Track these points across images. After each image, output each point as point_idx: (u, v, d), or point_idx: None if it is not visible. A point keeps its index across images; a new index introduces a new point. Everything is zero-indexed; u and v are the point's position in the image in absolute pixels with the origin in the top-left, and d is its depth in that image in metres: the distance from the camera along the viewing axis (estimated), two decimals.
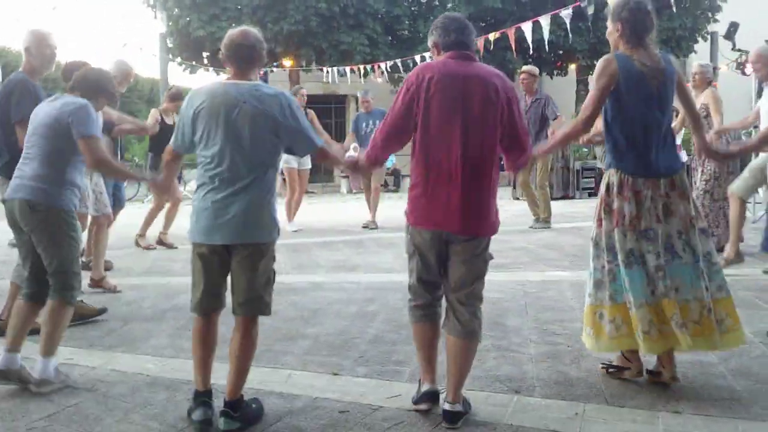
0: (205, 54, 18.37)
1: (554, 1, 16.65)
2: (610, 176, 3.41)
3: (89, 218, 5.82)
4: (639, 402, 3.22)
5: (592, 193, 14.69)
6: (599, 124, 3.52)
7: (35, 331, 3.68)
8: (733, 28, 8.65)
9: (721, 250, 5.85)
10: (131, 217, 8.39)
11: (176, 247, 7.66)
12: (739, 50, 9.02)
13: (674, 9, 10.66)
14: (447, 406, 3.04)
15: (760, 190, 8.61)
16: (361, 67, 15.91)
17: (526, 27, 10.22)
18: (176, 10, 17.39)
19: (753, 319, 4.35)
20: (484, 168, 3.07)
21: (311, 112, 9.34)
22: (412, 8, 18.45)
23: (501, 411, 3.15)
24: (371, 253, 7.60)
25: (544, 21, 9.87)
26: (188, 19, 17.13)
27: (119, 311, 5.16)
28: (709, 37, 18.16)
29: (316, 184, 18.09)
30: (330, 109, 20.98)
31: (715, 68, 16.17)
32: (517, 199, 13.69)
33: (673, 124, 6.90)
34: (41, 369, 3.48)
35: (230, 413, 3.03)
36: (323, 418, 3.13)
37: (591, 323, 3.46)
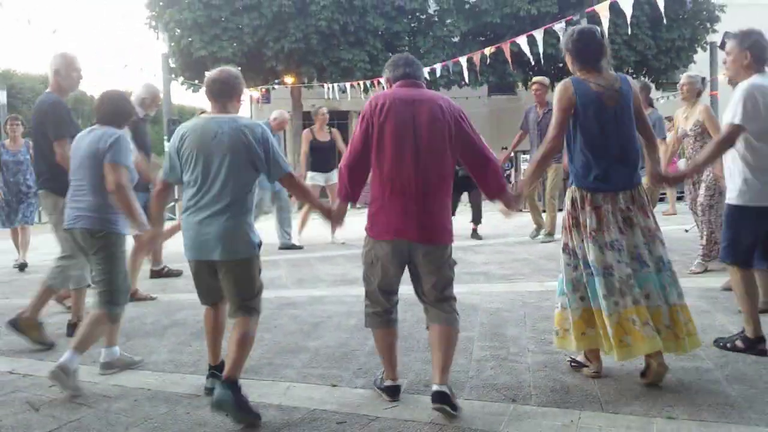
0: (207, 73, 18.52)
1: (553, 15, 16.83)
2: (573, 192, 3.64)
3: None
4: (634, 408, 3.25)
5: None
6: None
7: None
8: (727, 39, 8.71)
9: None
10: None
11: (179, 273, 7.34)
12: None
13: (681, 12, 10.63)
14: (436, 388, 3.27)
15: None
16: (362, 82, 16.03)
17: (522, 41, 10.31)
18: (178, 30, 17.57)
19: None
20: (437, 182, 3.36)
21: (335, 131, 9.51)
22: (412, 24, 18.61)
23: (497, 419, 3.18)
24: (358, 267, 7.62)
25: (538, 35, 9.95)
26: (190, 39, 17.32)
27: (122, 327, 5.18)
28: (708, 47, 18.24)
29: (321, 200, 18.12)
30: (332, 125, 21.08)
31: (712, 79, 16.31)
32: (520, 210, 13.74)
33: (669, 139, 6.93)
34: (68, 358, 3.80)
35: (226, 384, 3.28)
36: (321, 429, 3.17)
37: (558, 324, 3.71)
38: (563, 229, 3.70)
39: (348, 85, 15.95)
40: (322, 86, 16.85)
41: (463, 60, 11.87)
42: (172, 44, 17.76)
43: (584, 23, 9.64)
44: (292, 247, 9.14)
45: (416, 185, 3.31)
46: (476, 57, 11.32)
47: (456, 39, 18.21)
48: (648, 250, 3.54)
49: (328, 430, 3.15)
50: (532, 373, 3.80)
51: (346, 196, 3.54)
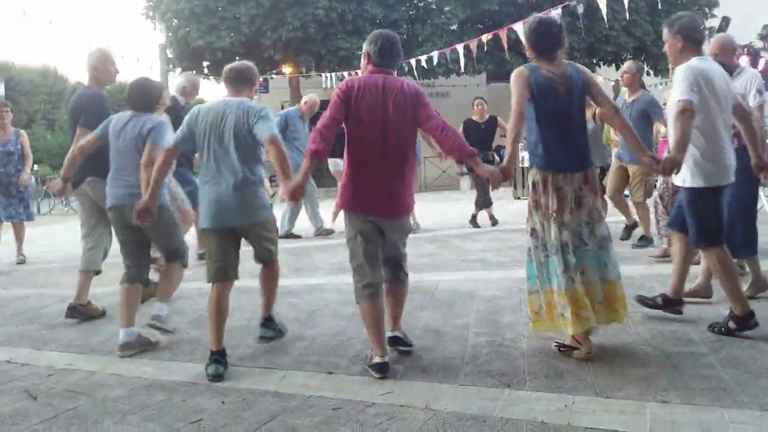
0: (205, 63, 18.50)
1: (551, 2, 16.76)
2: (534, 175, 3.83)
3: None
4: (627, 393, 3.26)
5: None
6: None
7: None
8: (725, 23, 8.73)
9: None
10: None
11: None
12: None
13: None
14: (390, 333, 3.94)
15: None
16: (360, 71, 15.98)
17: (519, 28, 10.28)
18: (175, 21, 17.51)
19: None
20: (401, 159, 3.77)
21: None
22: (410, 12, 18.54)
23: (492, 405, 3.20)
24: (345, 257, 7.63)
25: None
26: (187, 29, 17.25)
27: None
28: (707, 32, 18.18)
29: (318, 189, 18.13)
30: None
31: None
32: (518, 198, 13.73)
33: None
34: (158, 308, 4.65)
35: (269, 324, 4.31)
36: (317, 415, 3.19)
37: (530, 307, 3.90)
38: (528, 213, 3.89)
39: (346, 74, 15.90)
40: (321, 75, 16.81)
41: (460, 48, 11.84)
42: (170, 34, 17.72)
43: (581, 8, 9.61)
44: (327, 232, 9.22)
45: (383, 164, 3.71)
46: (473, 44, 11.28)
47: (454, 27, 18.15)
48: (589, 228, 3.79)
49: (323, 417, 3.17)
50: (526, 359, 3.81)
51: (315, 153, 3.65)
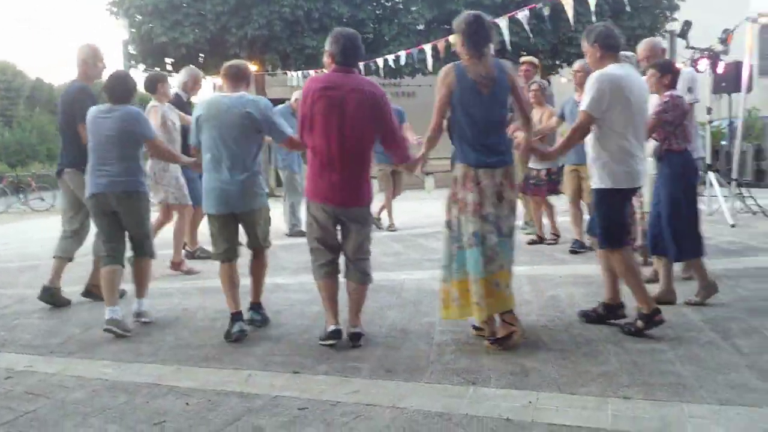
0: (168, 60, 18.24)
1: (517, 3, 16.90)
2: (456, 170, 4.00)
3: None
4: (590, 389, 3.31)
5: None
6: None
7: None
8: (687, 26, 8.84)
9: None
10: None
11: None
12: (692, 48, 9.22)
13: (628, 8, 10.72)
14: (352, 329, 4.13)
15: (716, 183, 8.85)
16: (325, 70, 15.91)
17: None
18: (138, 16, 17.25)
19: (703, 307, 4.47)
20: (358, 156, 4.00)
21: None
22: (377, 12, 18.52)
23: (457, 402, 3.22)
24: None
25: (503, 23, 9.98)
26: (150, 25, 17.00)
27: (80, 317, 5.15)
28: (667, 35, 18.50)
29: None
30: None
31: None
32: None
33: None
34: (138, 303, 4.89)
35: (257, 309, 4.67)
36: (282, 415, 3.17)
37: (441, 297, 4.11)
38: (447, 206, 4.05)
39: (312, 72, 15.83)
40: (286, 74, 16.71)
41: (428, 47, 11.86)
42: (132, 30, 17.43)
43: (547, 10, 9.69)
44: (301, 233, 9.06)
45: (340, 159, 3.94)
46: (441, 45, 11.31)
47: (421, 27, 18.18)
48: (507, 221, 4.00)
49: (289, 416, 3.16)
50: (491, 357, 3.84)
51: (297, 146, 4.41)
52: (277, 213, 9.19)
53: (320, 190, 4.03)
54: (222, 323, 4.79)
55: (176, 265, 6.80)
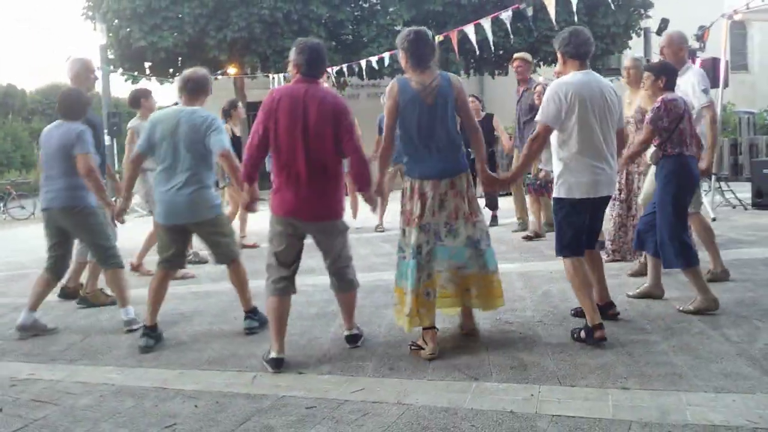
0: (147, 64, 18.14)
1: (494, 3, 17.06)
2: (405, 182, 4.06)
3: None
4: (589, 381, 3.41)
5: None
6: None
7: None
8: (664, 24, 9.06)
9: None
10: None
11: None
12: None
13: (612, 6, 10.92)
14: (348, 332, 4.20)
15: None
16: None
17: (469, 29, 10.46)
18: (116, 21, 17.12)
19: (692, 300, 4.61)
20: (325, 167, 3.88)
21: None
22: (355, 13, 18.56)
23: (461, 397, 3.30)
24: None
25: (486, 23, 10.10)
26: (129, 29, 16.89)
27: (77, 324, 5.17)
28: (642, 32, 18.76)
29: (266, 191, 18.03)
30: None
31: (648, 61, 16.82)
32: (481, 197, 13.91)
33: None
34: (124, 313, 4.93)
35: (251, 316, 4.67)
36: (291, 414, 3.23)
37: (395, 304, 4.16)
38: (400, 216, 4.09)
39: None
40: (267, 76, 16.70)
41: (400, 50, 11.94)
42: (110, 35, 17.30)
43: (530, 12, 9.82)
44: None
45: (305, 171, 3.84)
46: None
47: (399, 27, 18.24)
48: (448, 228, 3.98)
49: (298, 416, 3.22)
50: (490, 352, 3.93)
51: (247, 177, 4.00)
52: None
53: (287, 203, 3.91)
54: (219, 327, 4.86)
55: (135, 267, 6.98)
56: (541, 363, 3.71)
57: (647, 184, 5.27)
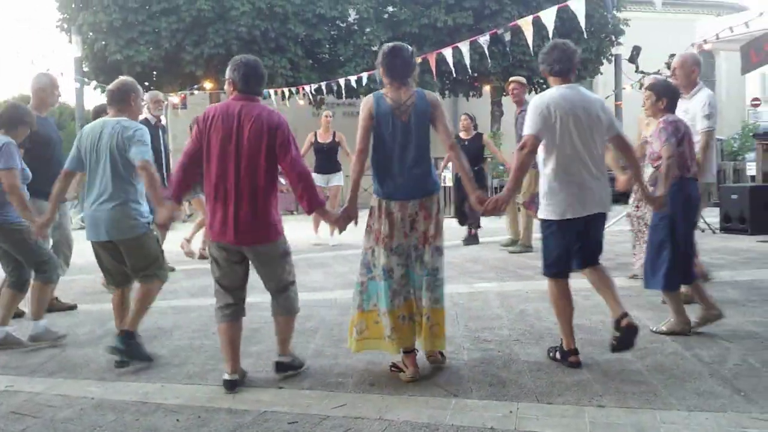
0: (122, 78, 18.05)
1: (468, 27, 17.34)
2: (372, 201, 3.95)
3: None
4: (566, 398, 3.49)
5: None
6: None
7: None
8: (636, 51, 9.30)
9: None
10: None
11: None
12: (642, 72, 9.68)
13: (584, 34, 11.22)
14: (278, 359, 3.98)
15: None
16: (285, 89, 16.00)
17: (447, 52, 10.65)
18: (91, 34, 17.04)
19: (664, 321, 4.73)
20: (256, 190, 3.70)
21: (340, 135, 9.76)
22: (332, 32, 18.71)
23: (441, 413, 3.36)
24: (301, 272, 7.65)
25: (464, 47, 10.29)
26: (104, 43, 16.82)
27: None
28: (613, 59, 19.17)
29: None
30: None
31: (616, 90, 17.20)
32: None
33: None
34: (33, 327, 4.90)
35: (122, 337, 4.25)
36: (273, 429, 3.25)
37: (349, 327, 4.06)
38: (365, 235, 4.00)
39: (272, 91, 15.90)
40: None
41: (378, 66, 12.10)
42: (85, 47, 17.21)
43: (508, 36, 10.04)
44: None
45: (237, 193, 3.67)
46: None
47: (375, 47, 18.43)
48: (417, 253, 3.90)
49: (279, 431, 3.24)
50: (469, 369, 3.99)
51: (174, 196, 3.88)
52: None
53: (219, 227, 3.72)
54: (200, 342, 4.86)
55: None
56: (519, 380, 3.78)
57: None
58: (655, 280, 4.52)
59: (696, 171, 4.62)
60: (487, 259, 7.98)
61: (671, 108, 4.54)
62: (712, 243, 8.88)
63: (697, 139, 5.07)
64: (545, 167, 3.97)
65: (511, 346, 4.43)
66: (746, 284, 5.27)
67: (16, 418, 3.48)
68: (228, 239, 3.71)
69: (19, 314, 5.49)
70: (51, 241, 5.48)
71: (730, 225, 9.82)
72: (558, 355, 4.04)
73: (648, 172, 4.80)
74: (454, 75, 13.87)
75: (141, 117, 7.28)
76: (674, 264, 4.47)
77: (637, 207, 6.06)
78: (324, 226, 9.76)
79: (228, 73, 3.82)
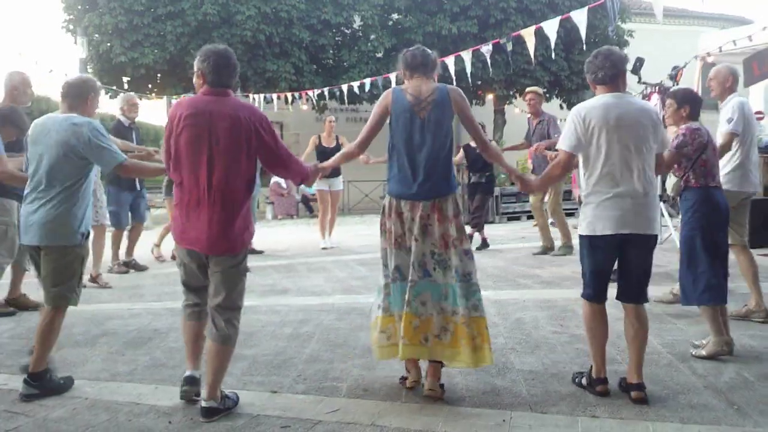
0: (125, 79, 18.11)
1: (473, 35, 17.37)
2: (385, 199, 3.80)
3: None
4: (560, 408, 3.48)
5: (512, 218, 15.24)
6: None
7: None
8: (639, 63, 9.25)
9: None
10: None
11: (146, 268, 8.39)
12: (645, 83, 9.65)
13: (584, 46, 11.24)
14: (203, 403, 3.46)
15: (666, 213, 9.12)
16: (288, 94, 16.03)
17: (449, 61, 10.67)
18: (96, 35, 17.11)
19: (662, 332, 4.72)
20: (231, 192, 3.43)
21: (344, 138, 9.71)
22: (337, 38, 18.77)
23: (434, 420, 3.35)
24: (301, 277, 7.72)
25: (467, 55, 10.32)
26: (109, 44, 16.88)
27: None
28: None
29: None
30: None
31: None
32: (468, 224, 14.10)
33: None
34: None
35: (29, 379, 3.77)
36: None
37: (372, 333, 3.84)
38: (380, 236, 3.84)
39: (275, 96, 15.93)
40: (247, 96, 16.75)
41: (392, 76, 12.16)
42: (90, 49, 17.26)
43: (510, 46, 10.05)
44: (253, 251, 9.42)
45: (210, 197, 3.39)
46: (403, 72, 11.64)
47: (380, 54, 18.49)
48: (437, 259, 3.64)
49: None
50: (463, 377, 3.98)
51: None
52: None
53: (187, 233, 3.47)
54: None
55: (93, 279, 7.24)
56: (513, 389, 3.77)
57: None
58: (695, 295, 4.25)
59: (720, 180, 4.46)
60: (485, 267, 7.96)
61: (694, 115, 4.37)
62: None
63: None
64: (584, 180, 3.72)
65: (507, 354, 4.42)
66: (745, 297, 5.24)
67: (8, 417, 3.48)
68: (201, 247, 3.45)
69: (34, 307, 5.69)
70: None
71: None
72: (584, 382, 3.75)
73: (670, 182, 4.72)
74: (455, 83, 13.89)
75: (115, 119, 7.67)
76: (714, 276, 4.22)
77: None
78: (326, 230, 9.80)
79: (196, 64, 3.49)
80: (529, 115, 8.94)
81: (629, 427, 3.22)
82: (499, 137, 19.47)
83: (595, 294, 3.70)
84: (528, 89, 8.80)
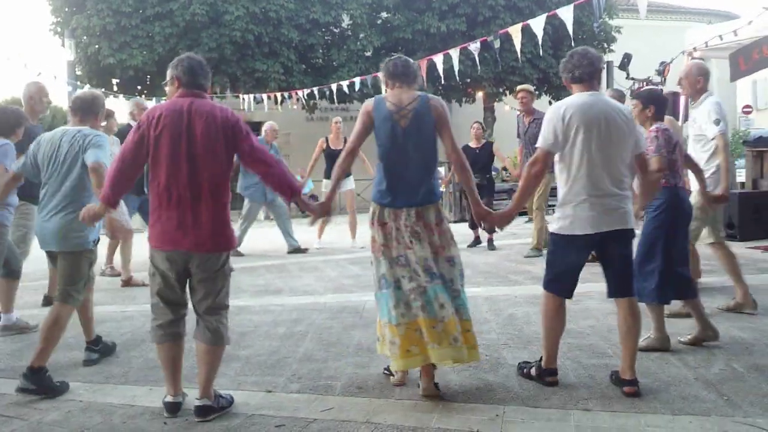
0: (114, 81, 18.07)
1: (462, 33, 17.43)
2: (371, 207, 3.78)
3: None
4: (552, 402, 3.51)
5: None
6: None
7: None
8: (627, 59, 9.37)
9: None
10: None
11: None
12: (632, 79, 9.75)
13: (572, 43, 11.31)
14: (197, 402, 3.45)
15: None
16: (278, 94, 16.03)
17: (438, 59, 10.70)
18: (84, 37, 17.06)
19: (651, 325, 4.76)
20: (212, 190, 3.43)
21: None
22: (326, 38, 18.79)
23: (428, 416, 3.37)
24: (293, 276, 7.73)
25: (455, 54, 10.35)
26: (98, 46, 16.84)
27: None
28: (604, 66, 19.27)
29: (236, 211, 17.96)
30: None
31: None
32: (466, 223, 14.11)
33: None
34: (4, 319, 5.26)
35: (27, 375, 3.84)
36: None
37: (378, 332, 3.80)
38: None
39: (265, 96, 15.94)
40: (237, 97, 16.75)
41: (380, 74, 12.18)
42: (78, 51, 17.21)
43: (497, 43, 10.09)
44: (298, 250, 9.76)
45: (191, 196, 3.39)
46: None
47: (369, 53, 18.52)
48: (435, 263, 3.64)
49: None
50: (457, 373, 4.00)
51: (105, 199, 3.53)
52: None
53: (166, 234, 3.42)
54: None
55: (126, 282, 7.41)
56: (506, 384, 3.80)
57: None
58: (644, 292, 4.28)
59: (686, 180, 4.53)
60: (476, 264, 8.00)
61: (659, 115, 4.42)
62: (701, 249, 8.89)
63: (707, 148, 5.10)
64: (560, 178, 3.73)
65: (499, 350, 4.45)
66: (734, 290, 5.30)
67: (3, 421, 3.48)
68: (181, 246, 3.40)
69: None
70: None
71: (730, 232, 9.84)
72: (534, 372, 3.83)
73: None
74: (443, 81, 13.94)
75: (122, 124, 7.65)
76: (666, 276, 4.32)
77: None
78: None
79: (169, 72, 3.53)
80: (518, 113, 8.96)
81: (621, 420, 3.25)
82: (488, 135, 19.54)
83: (565, 289, 3.76)
84: (519, 87, 8.79)
